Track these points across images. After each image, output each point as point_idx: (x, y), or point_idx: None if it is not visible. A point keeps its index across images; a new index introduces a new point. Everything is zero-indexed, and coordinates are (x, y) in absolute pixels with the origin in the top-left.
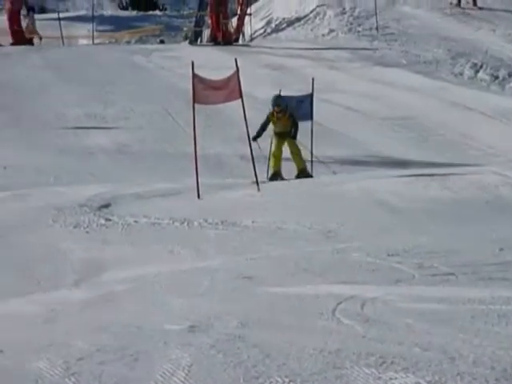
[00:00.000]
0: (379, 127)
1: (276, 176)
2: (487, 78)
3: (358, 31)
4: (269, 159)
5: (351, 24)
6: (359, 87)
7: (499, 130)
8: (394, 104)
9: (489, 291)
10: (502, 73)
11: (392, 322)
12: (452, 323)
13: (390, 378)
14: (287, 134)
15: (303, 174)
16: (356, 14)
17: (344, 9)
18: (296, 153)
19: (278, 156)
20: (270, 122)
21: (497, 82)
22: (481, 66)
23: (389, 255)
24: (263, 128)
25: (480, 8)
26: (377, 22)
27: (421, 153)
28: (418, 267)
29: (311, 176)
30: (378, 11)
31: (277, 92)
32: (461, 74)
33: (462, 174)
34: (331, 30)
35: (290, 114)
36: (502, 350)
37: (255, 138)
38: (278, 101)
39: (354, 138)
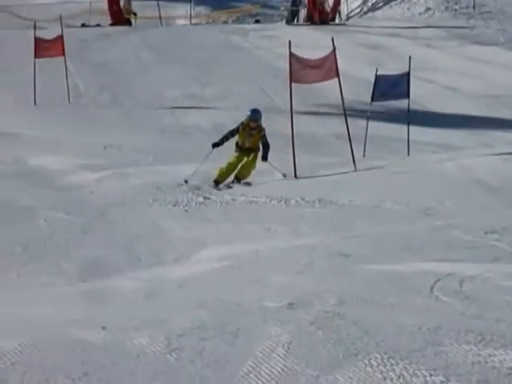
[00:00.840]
0: (476, 105)
1: (218, 184)
2: None
3: (455, 9)
4: (225, 167)
5: (448, 2)
6: (456, 66)
7: None
8: (491, 82)
9: None
10: None
11: (491, 299)
12: None
13: (489, 355)
14: (251, 151)
15: (238, 179)
16: None
17: None
18: (248, 169)
19: (232, 169)
20: (237, 133)
21: None
22: None
23: (486, 233)
24: (228, 138)
25: None
26: (474, 0)
27: None
28: None
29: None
30: None
31: (256, 106)
32: None
33: None
34: (428, 9)
35: (263, 135)
36: None
37: (215, 146)
38: (257, 116)
39: (450, 116)
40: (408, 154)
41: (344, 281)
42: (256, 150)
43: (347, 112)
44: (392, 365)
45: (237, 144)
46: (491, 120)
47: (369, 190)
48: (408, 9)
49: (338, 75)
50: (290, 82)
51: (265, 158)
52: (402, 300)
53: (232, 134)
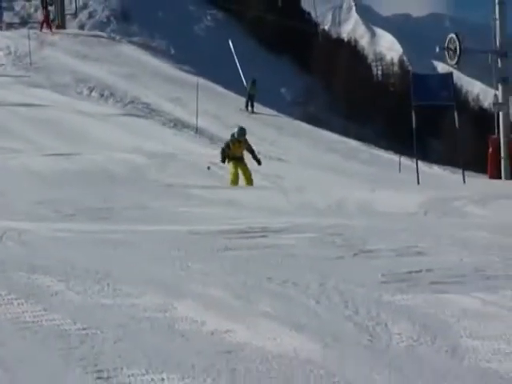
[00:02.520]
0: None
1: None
2: (97, 95)
3: (19, 64)
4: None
5: (15, 60)
6: (18, 99)
7: (103, 127)
8: (41, 110)
9: None
10: (106, 93)
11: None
12: None
13: None
14: (242, 159)
15: None
16: (18, 53)
17: (10, 50)
18: (248, 177)
19: (237, 174)
20: (229, 149)
21: (102, 98)
22: (93, 88)
23: (37, 203)
24: (225, 154)
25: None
26: (30, 59)
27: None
28: None
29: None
30: (31, 52)
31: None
32: (81, 92)
33: (88, 155)
34: (1, 64)
35: (248, 144)
36: None
37: (223, 162)
38: (244, 132)
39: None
40: None
41: None
42: (243, 157)
43: None
44: None
45: (228, 156)
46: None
47: None
48: None
49: None
50: None
51: (259, 163)
52: None
53: (225, 150)
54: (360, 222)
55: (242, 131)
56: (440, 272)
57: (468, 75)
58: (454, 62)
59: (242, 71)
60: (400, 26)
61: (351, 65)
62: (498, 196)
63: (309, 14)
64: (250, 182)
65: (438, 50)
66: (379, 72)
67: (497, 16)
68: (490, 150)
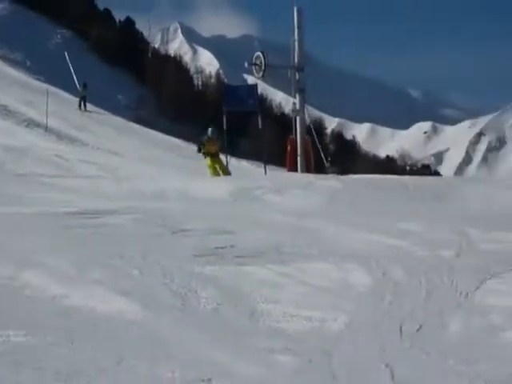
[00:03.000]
0: None
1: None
2: None
3: None
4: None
5: None
6: None
7: None
8: None
9: None
10: None
11: None
12: None
13: None
14: (217, 155)
15: None
16: None
17: None
18: (224, 169)
19: (214, 167)
20: (204, 146)
21: None
22: None
23: None
24: (201, 146)
25: None
26: None
27: None
28: None
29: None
30: None
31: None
32: None
33: None
34: None
35: (220, 141)
36: None
37: (199, 151)
38: (215, 131)
39: None
40: None
41: None
42: (218, 153)
43: None
44: None
45: (204, 153)
46: None
47: None
48: None
49: None
50: None
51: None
52: None
53: (202, 145)
54: (178, 206)
55: (214, 131)
56: (242, 248)
57: (272, 86)
58: (260, 75)
59: (82, 80)
60: (217, 45)
61: (177, 77)
62: (292, 186)
63: (142, 33)
64: (226, 173)
65: (246, 65)
66: (200, 83)
67: (296, 37)
68: (289, 148)
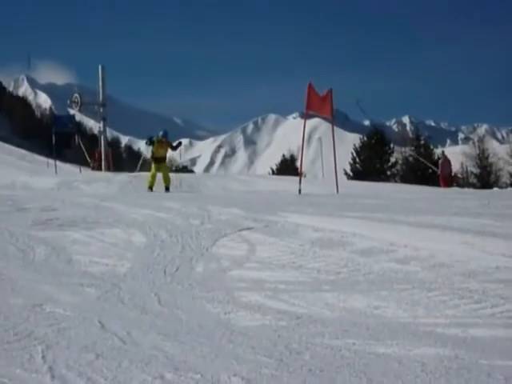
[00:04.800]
0: None
1: (151, 189)
2: None
3: None
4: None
5: None
6: None
7: None
8: None
9: None
10: None
11: None
12: None
13: None
14: (162, 160)
15: (167, 188)
16: None
17: None
18: (166, 176)
19: (155, 176)
20: (152, 144)
21: None
22: None
23: None
24: (150, 141)
25: None
26: None
27: None
28: None
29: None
30: None
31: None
32: None
33: None
34: None
35: (170, 143)
36: None
37: (148, 143)
38: (167, 134)
39: None
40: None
41: None
42: (165, 159)
43: None
44: None
45: (152, 156)
46: None
47: None
48: None
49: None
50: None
51: (174, 148)
52: None
53: (150, 140)
54: (23, 193)
55: (165, 133)
56: (63, 219)
57: (85, 115)
58: (77, 109)
59: None
60: (50, 89)
61: (24, 110)
62: (97, 180)
63: (1, 82)
64: (166, 180)
65: (68, 102)
66: (39, 114)
67: (100, 84)
68: (96, 155)
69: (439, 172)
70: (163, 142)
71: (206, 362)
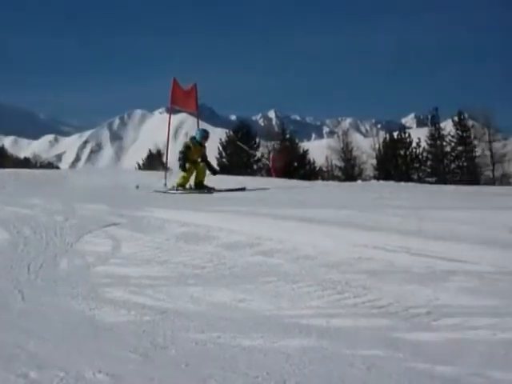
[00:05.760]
0: None
1: (184, 187)
2: None
3: None
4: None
5: None
6: None
7: None
8: None
9: None
10: None
11: None
12: None
13: None
14: (197, 163)
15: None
16: None
17: None
18: (203, 176)
19: (188, 179)
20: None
21: None
22: None
23: None
24: (185, 160)
25: None
26: None
27: None
28: None
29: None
30: None
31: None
32: None
33: None
34: None
35: (204, 152)
36: None
37: (183, 169)
38: (208, 135)
39: None
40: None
41: None
42: (198, 163)
43: None
44: None
45: (192, 159)
46: None
47: None
48: None
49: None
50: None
51: (214, 173)
52: None
53: (186, 153)
54: None
55: (206, 133)
56: None
57: None
58: None
59: None
60: None
61: None
62: None
63: None
64: (201, 176)
65: None
66: None
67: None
68: None
69: (270, 165)
70: (202, 146)
71: (70, 359)
